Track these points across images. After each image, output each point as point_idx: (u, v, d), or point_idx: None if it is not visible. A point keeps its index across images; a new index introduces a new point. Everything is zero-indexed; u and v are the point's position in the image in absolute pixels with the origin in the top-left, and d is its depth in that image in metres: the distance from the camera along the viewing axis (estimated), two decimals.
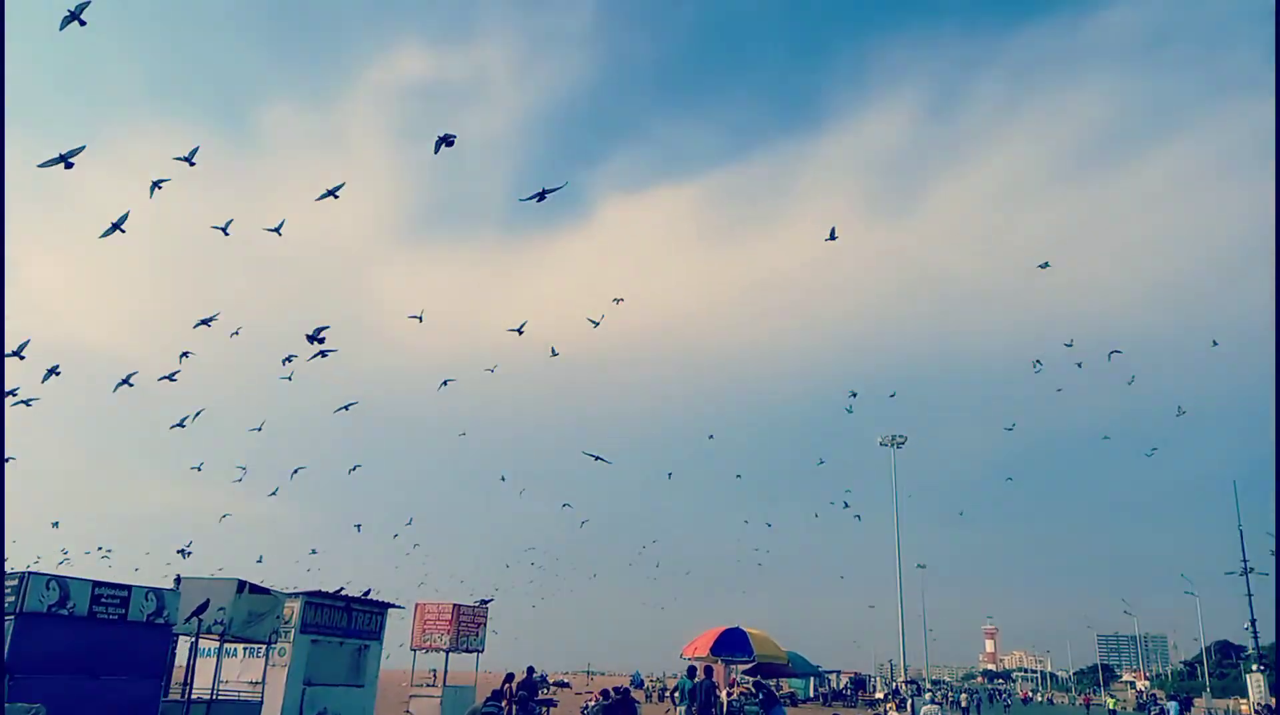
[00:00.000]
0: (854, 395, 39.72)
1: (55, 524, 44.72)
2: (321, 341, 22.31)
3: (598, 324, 34.91)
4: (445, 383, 31.35)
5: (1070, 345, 35.59)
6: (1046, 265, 34.39)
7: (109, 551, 45.85)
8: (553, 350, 33.84)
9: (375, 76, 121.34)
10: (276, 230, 26.42)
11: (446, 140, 18.66)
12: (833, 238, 30.00)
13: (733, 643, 39.20)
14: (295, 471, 39.74)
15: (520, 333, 32.85)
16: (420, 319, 29.10)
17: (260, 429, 33.89)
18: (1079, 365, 35.88)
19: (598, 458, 25.41)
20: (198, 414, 30.63)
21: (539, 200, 19.69)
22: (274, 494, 38.60)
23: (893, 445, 45.48)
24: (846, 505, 47.27)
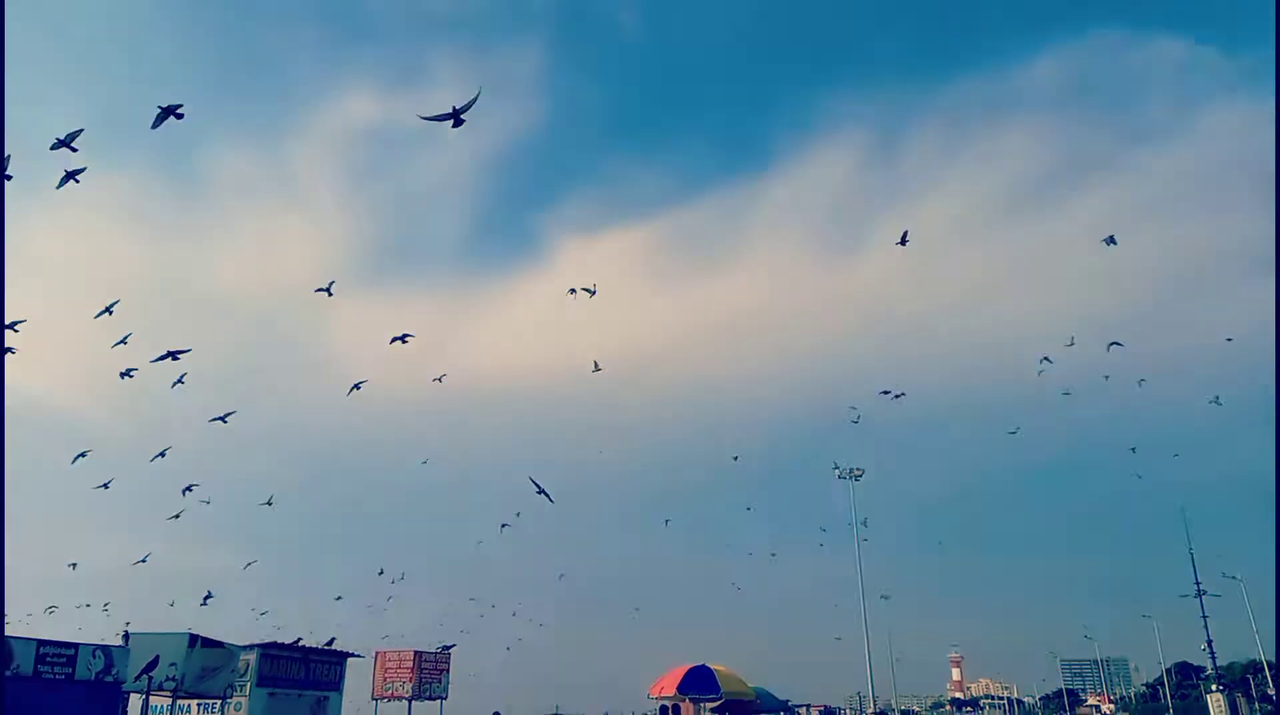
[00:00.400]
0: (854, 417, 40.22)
1: (73, 565, 43.57)
2: (177, 358, 22.18)
3: (598, 368, 35.52)
4: (356, 386, 30.88)
5: (1071, 344, 36.72)
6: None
7: (107, 605, 44.31)
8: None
9: (324, 121, 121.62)
10: (326, 290, 26.87)
11: (172, 112, 18.60)
12: (904, 243, 30.83)
13: (699, 681, 39.02)
14: (269, 501, 39.38)
15: (440, 381, 33.19)
16: (405, 340, 28.87)
17: (192, 490, 33.49)
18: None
19: (541, 491, 25.40)
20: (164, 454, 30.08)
21: (454, 124, 19.35)
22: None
23: (850, 477, 45.96)
24: (821, 545, 47.58)
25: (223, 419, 29.19)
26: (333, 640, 34.98)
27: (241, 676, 29.94)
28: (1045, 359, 38.71)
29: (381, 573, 48.89)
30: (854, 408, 45.04)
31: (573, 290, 33.06)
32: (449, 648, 38.87)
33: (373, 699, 37.36)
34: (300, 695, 31.95)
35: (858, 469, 45.21)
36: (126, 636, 25.63)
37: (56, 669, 20.12)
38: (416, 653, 37.52)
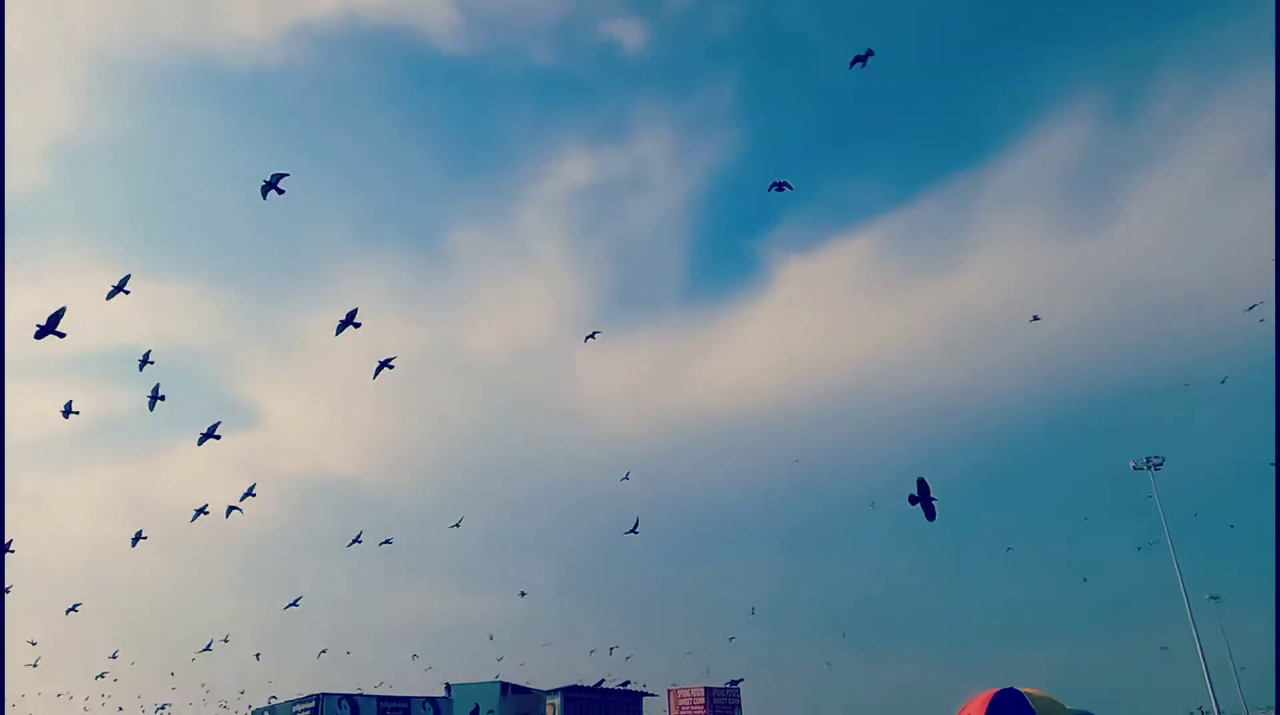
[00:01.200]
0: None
1: (348, 652, 48.70)
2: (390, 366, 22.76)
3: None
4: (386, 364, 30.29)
5: None
6: None
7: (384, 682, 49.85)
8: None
9: (545, 187, 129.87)
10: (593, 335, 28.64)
11: (274, 185, 19.48)
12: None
13: (1010, 707, 35.92)
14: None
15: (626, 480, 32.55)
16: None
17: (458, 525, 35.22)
18: None
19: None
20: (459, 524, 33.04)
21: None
22: (523, 595, 40.53)
23: (1149, 468, 40.72)
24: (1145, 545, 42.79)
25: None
26: (628, 682, 36.39)
27: None
28: None
29: (753, 611, 49.40)
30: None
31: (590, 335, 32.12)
32: (736, 682, 39.03)
33: None
34: None
35: (1156, 457, 39.98)
36: (448, 688, 28.31)
37: None
38: (706, 689, 38.05)
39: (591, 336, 29.17)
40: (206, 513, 24.61)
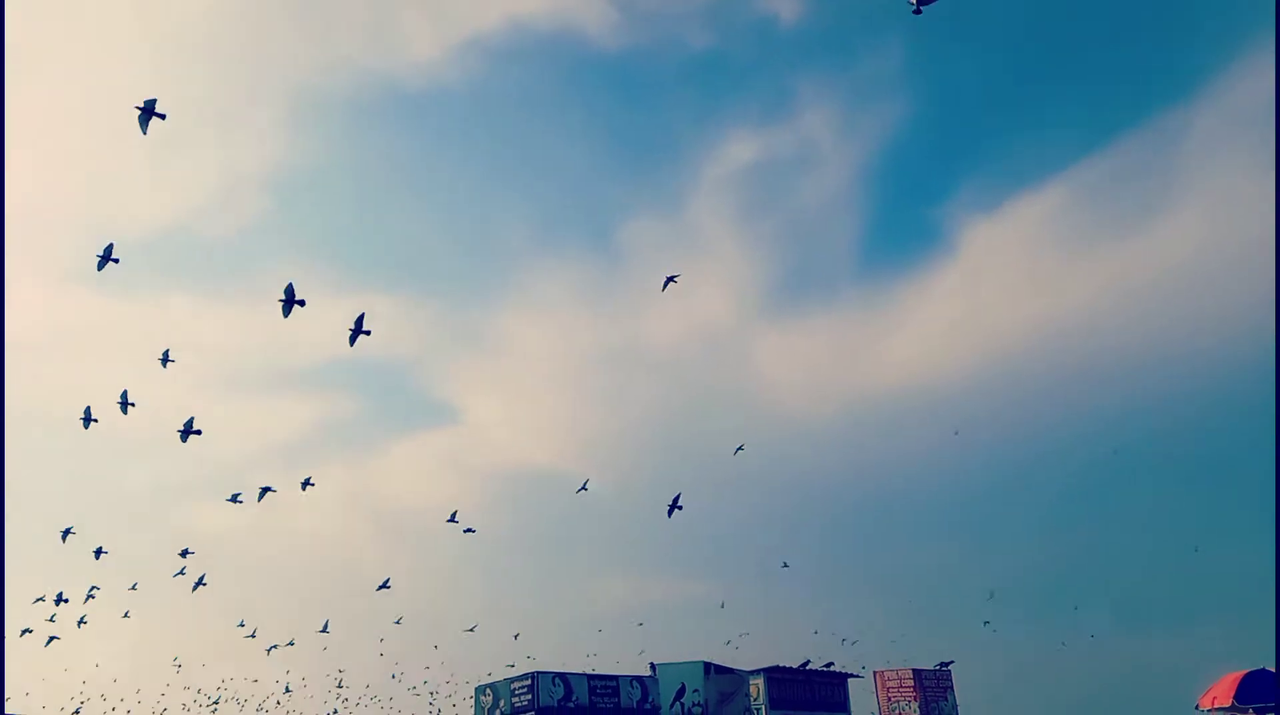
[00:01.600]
0: None
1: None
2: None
3: None
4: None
5: None
6: None
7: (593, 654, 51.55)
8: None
9: (712, 172, 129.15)
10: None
11: (151, 110, 18.63)
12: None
13: (1262, 688, 32.24)
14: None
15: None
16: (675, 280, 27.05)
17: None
18: None
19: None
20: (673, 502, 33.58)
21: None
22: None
23: None
24: None
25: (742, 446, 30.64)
26: (831, 663, 35.96)
27: (755, 701, 32.09)
28: None
29: (991, 596, 47.88)
30: None
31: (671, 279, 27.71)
32: (947, 664, 37.47)
33: None
34: None
35: None
36: (653, 667, 29.13)
37: (605, 699, 23.60)
38: (915, 671, 36.84)
39: (671, 280, 26.21)
40: (274, 491, 25.99)
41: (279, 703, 49.25)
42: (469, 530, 29.16)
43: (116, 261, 19.70)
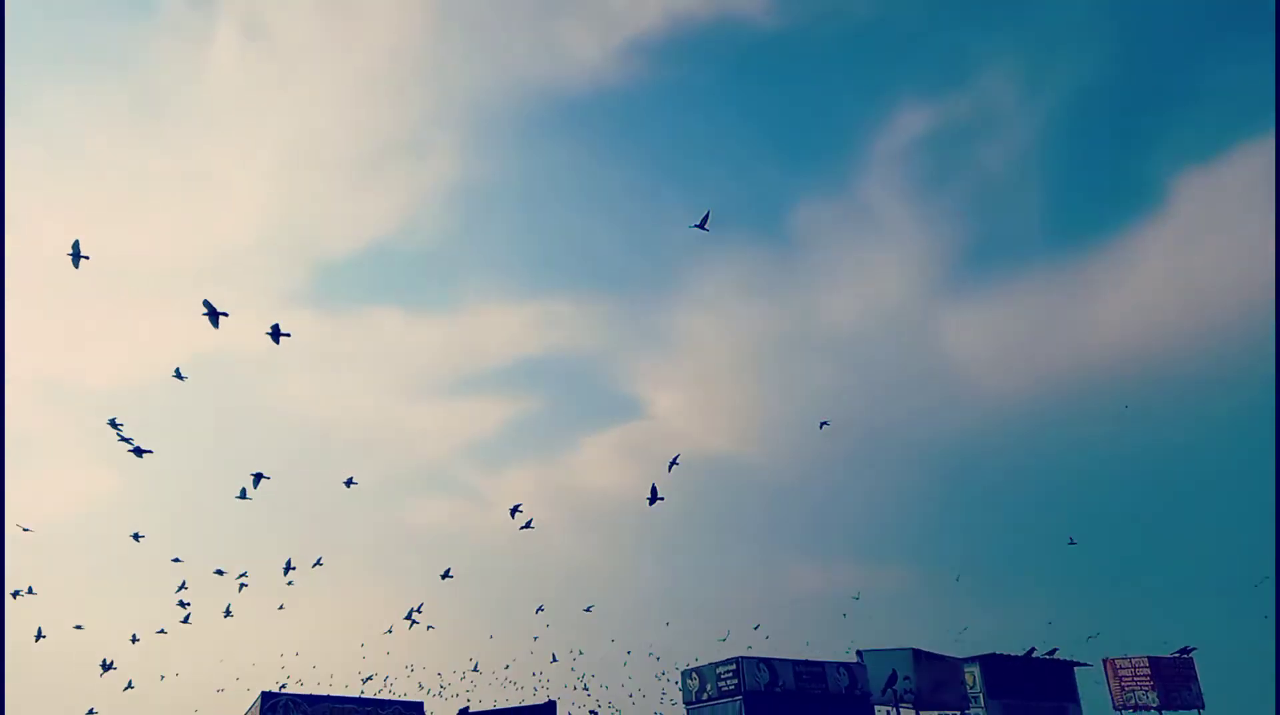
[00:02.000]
0: None
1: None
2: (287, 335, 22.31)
3: None
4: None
5: None
6: None
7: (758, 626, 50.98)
8: None
9: (882, 145, 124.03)
10: None
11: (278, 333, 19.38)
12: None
13: None
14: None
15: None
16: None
17: None
18: None
19: None
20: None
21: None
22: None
23: None
24: None
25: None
26: (1054, 650, 34.07)
27: (971, 689, 31.01)
28: None
29: (1257, 586, 44.33)
30: None
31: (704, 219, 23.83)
32: (1188, 651, 34.26)
33: (1115, 710, 34.90)
34: (1035, 706, 31.71)
35: None
36: (860, 654, 28.83)
37: (812, 685, 23.79)
38: (1151, 660, 34.10)
39: (702, 225, 23.32)
40: (268, 477, 27.15)
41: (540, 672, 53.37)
42: (659, 499, 29.75)
43: (87, 257, 21.19)
